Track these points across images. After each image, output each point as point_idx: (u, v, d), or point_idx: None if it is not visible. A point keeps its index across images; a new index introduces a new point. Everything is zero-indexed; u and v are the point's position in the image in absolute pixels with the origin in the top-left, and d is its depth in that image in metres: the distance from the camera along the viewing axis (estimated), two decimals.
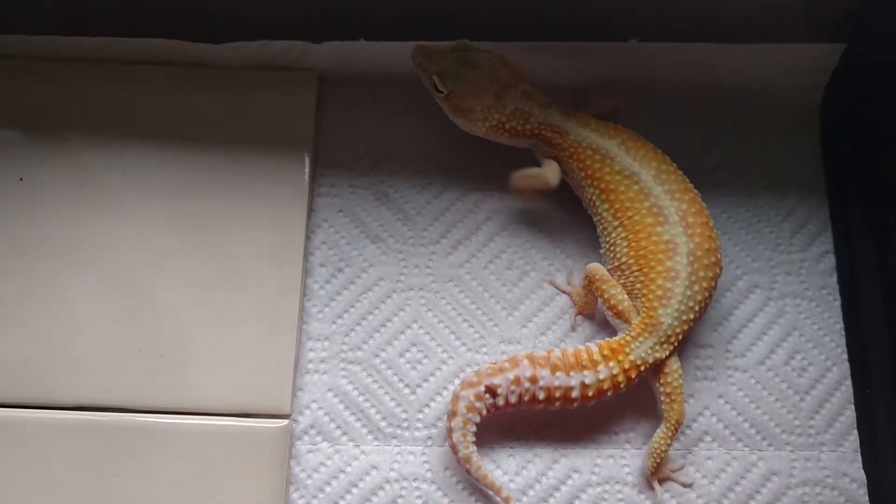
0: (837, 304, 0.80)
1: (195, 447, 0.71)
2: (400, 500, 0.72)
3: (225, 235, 0.77)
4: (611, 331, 0.76)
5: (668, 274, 0.72)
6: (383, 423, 0.75)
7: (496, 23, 0.82)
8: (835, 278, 0.81)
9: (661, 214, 0.74)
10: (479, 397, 0.71)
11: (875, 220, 0.82)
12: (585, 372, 0.71)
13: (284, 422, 0.73)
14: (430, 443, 0.74)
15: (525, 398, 0.71)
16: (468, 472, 0.71)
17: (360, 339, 0.77)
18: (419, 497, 0.73)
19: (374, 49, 0.82)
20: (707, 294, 0.73)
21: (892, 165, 0.82)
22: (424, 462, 0.74)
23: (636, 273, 0.74)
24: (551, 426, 0.75)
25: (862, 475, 0.75)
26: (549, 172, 0.78)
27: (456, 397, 0.71)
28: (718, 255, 0.74)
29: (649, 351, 0.72)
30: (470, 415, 0.70)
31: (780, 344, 0.79)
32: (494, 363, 0.72)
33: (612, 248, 0.76)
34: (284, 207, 0.79)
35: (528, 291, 0.79)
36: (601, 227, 0.77)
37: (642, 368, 0.72)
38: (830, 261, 0.82)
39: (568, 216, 0.81)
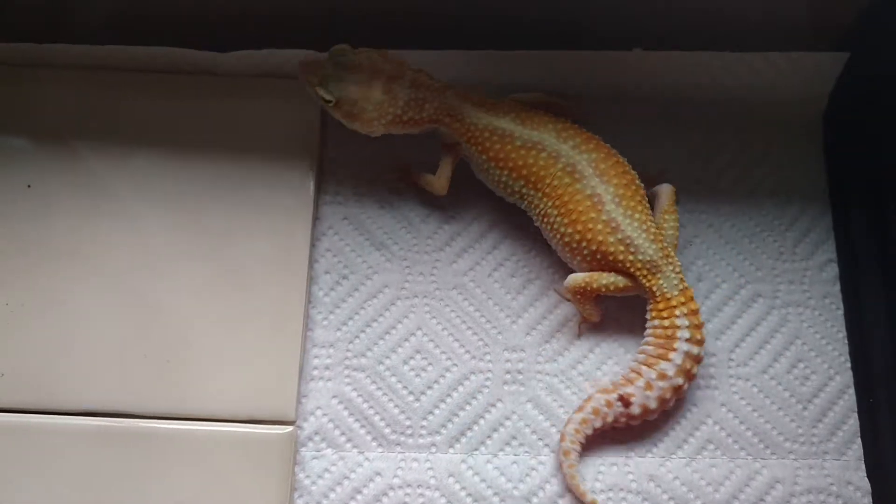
0: (840, 312, 0.81)
1: (200, 453, 0.71)
2: None
3: (230, 242, 0.78)
4: (615, 329, 0.78)
5: (610, 227, 0.73)
6: (387, 430, 0.75)
7: (500, 32, 0.83)
8: (837, 287, 0.81)
9: (575, 171, 0.74)
10: (609, 403, 0.72)
11: (878, 228, 0.82)
12: (676, 344, 0.73)
13: (289, 428, 0.73)
14: (433, 450, 0.74)
15: (664, 396, 0.72)
16: (561, 465, 0.72)
17: (365, 346, 0.77)
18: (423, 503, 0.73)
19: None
20: (646, 205, 0.75)
21: (895, 174, 0.82)
22: (428, 469, 0.74)
23: (584, 245, 0.74)
24: (554, 434, 0.75)
25: (866, 483, 0.75)
26: (438, 182, 0.79)
27: (588, 398, 0.73)
28: (637, 181, 0.76)
29: (675, 280, 0.74)
30: (593, 416, 0.72)
31: (783, 353, 0.79)
32: (623, 376, 0.74)
33: (550, 225, 0.75)
34: (289, 215, 0.79)
35: (531, 299, 0.79)
36: (527, 203, 0.77)
37: (687, 289, 0.74)
38: (833, 270, 0.82)
39: None
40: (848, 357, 0.79)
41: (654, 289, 0.74)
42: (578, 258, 0.75)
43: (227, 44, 0.82)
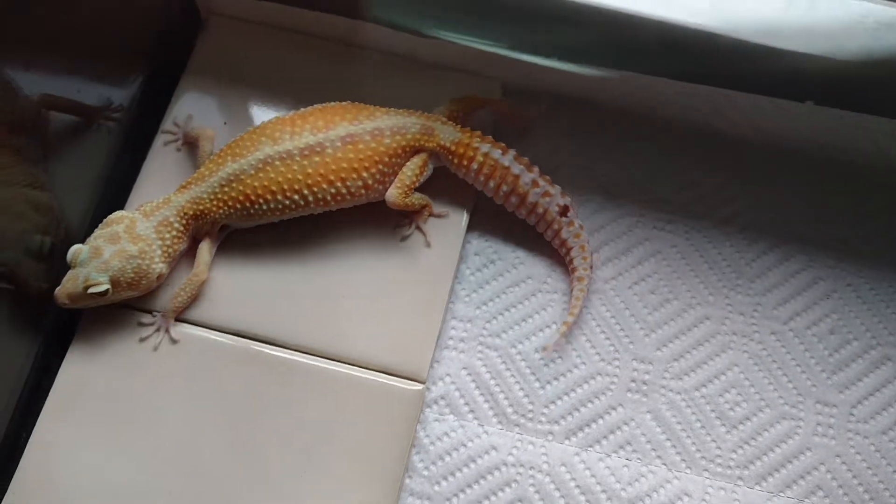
0: None
1: (339, 391, 0.76)
2: (514, 484, 0.75)
3: (399, 212, 0.83)
4: (740, 358, 0.79)
5: (371, 133, 0.77)
6: (509, 410, 0.78)
7: (667, 66, 0.87)
8: None
9: (313, 149, 0.76)
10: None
11: None
12: (504, 162, 0.80)
13: (419, 387, 0.77)
14: (550, 438, 0.77)
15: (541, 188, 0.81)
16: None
17: (500, 328, 0.81)
18: (532, 485, 0.75)
19: (556, 68, 0.88)
20: (380, 110, 0.80)
21: None
22: (542, 454, 0.77)
23: (374, 172, 0.77)
24: (669, 448, 0.77)
25: None
26: (200, 270, 0.78)
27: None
28: (356, 108, 0.80)
29: (449, 128, 0.80)
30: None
31: None
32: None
33: (350, 194, 0.77)
34: (454, 197, 0.84)
35: (667, 318, 0.82)
36: (316, 207, 0.78)
37: (464, 128, 0.81)
38: None
39: (721, 247, 0.85)
40: None
41: (443, 144, 0.80)
42: (386, 183, 0.79)
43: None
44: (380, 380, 0.77)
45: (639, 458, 0.77)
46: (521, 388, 0.79)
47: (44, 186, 0.76)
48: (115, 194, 0.84)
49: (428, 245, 0.82)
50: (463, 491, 0.75)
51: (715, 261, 0.84)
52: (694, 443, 0.77)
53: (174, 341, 0.77)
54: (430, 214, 0.82)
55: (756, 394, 0.80)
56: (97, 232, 0.75)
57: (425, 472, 0.76)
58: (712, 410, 0.79)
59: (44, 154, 0.79)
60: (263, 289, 0.79)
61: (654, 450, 0.77)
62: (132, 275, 0.74)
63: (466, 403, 0.78)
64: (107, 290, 0.73)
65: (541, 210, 0.80)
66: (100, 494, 0.72)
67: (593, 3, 0.85)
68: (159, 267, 0.75)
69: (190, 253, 0.79)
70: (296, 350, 0.77)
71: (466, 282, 0.83)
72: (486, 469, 0.76)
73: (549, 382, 0.79)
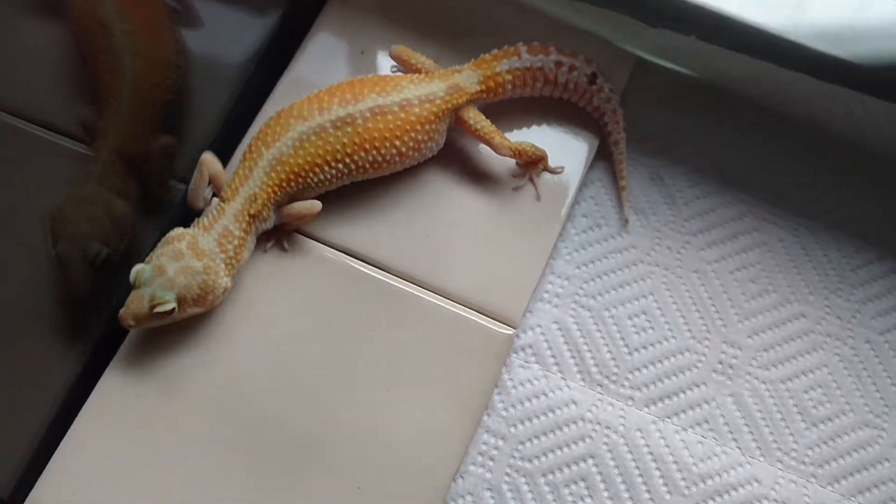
0: None
1: (433, 322, 0.78)
2: (588, 440, 0.77)
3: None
4: (826, 362, 0.80)
5: (409, 108, 0.78)
6: (594, 369, 0.80)
7: (807, 62, 0.87)
8: None
9: (345, 121, 0.76)
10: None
11: None
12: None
13: (510, 331, 0.79)
14: (630, 403, 0.78)
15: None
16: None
17: (596, 290, 0.82)
18: (605, 444, 0.77)
19: (697, 49, 0.89)
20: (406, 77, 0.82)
21: None
22: (620, 416, 0.78)
23: (420, 140, 0.79)
24: (746, 433, 0.78)
25: None
26: (308, 204, 0.78)
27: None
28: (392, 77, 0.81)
29: (466, 72, 0.82)
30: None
31: None
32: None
33: (391, 159, 0.79)
34: (570, 157, 0.85)
35: (763, 308, 0.82)
36: (356, 174, 0.79)
37: (476, 61, 0.83)
38: None
39: (828, 249, 0.84)
40: None
41: (472, 91, 0.81)
42: (422, 150, 0.80)
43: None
44: (473, 318, 0.79)
45: (714, 438, 0.78)
46: (609, 351, 0.80)
47: (130, 199, 0.78)
48: (236, 127, 0.86)
49: (538, 199, 0.84)
50: (537, 437, 0.77)
51: (820, 262, 0.84)
52: (771, 432, 0.78)
53: (284, 249, 0.81)
54: (545, 168, 0.84)
55: (841, 397, 0.80)
56: (158, 251, 0.74)
57: (504, 413, 0.78)
58: (795, 405, 0.79)
59: (159, 181, 0.82)
60: (375, 214, 0.82)
61: (730, 432, 0.78)
62: (198, 291, 0.73)
63: (553, 356, 0.80)
64: (173, 308, 0.72)
65: (572, 86, 0.84)
66: (196, 371, 0.76)
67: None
68: (224, 281, 0.74)
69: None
70: (399, 276, 0.80)
71: (570, 241, 0.84)
72: (563, 421, 0.78)
73: (636, 350, 0.80)
